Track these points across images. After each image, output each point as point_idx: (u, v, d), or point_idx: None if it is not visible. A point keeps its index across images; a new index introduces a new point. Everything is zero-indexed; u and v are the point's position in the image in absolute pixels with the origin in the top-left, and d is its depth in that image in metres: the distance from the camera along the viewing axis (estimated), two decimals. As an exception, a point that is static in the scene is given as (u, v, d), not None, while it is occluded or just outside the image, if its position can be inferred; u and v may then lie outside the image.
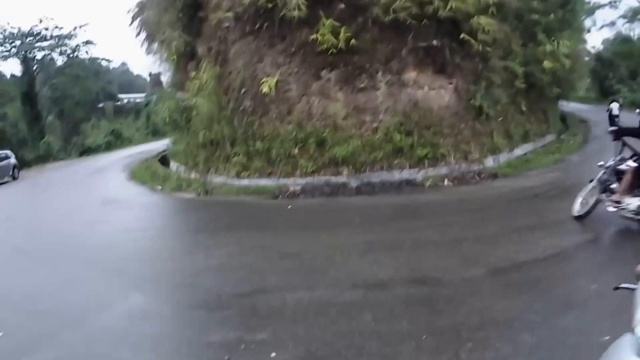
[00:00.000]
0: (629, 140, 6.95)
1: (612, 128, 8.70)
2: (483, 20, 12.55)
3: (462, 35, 12.59)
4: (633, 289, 1.81)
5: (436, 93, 12.78)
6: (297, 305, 5.32)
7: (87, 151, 34.78)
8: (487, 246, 6.84)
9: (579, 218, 7.37)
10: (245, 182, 12.94)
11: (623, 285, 2.09)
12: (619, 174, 6.91)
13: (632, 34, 42.16)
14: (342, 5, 12.55)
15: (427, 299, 5.29)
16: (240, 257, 7.48)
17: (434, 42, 12.58)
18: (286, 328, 4.81)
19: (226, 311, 5.43)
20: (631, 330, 1.59)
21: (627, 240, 6.75)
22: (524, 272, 5.77)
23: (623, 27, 40.60)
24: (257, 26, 13.31)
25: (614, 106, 20.25)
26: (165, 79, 21.29)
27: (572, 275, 5.69)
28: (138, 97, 50.78)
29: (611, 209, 6.82)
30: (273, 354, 4.30)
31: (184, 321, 5.46)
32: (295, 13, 11.92)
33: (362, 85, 12.41)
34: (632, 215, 6.57)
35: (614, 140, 7.14)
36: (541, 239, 6.90)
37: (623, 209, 6.62)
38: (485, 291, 5.33)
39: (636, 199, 6.47)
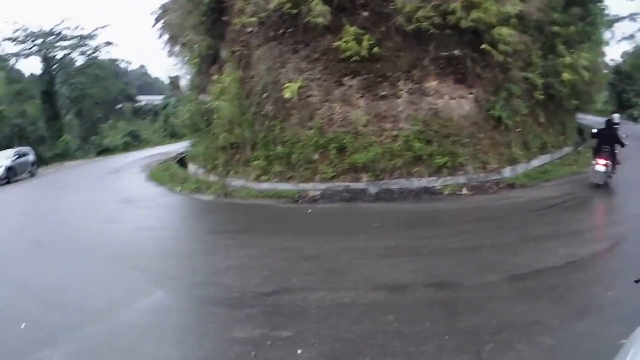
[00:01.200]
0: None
1: (593, 131, 12.55)
2: (504, 31, 12.58)
3: (483, 46, 12.59)
4: None
5: (456, 102, 12.78)
6: (320, 305, 5.38)
7: (104, 151, 35.03)
8: (505, 254, 6.91)
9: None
10: (264, 185, 13.00)
11: None
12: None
13: (651, 48, 41.54)
14: (366, 13, 12.66)
15: (447, 302, 5.38)
16: (260, 258, 7.53)
17: (456, 52, 12.64)
18: (310, 327, 4.88)
19: (249, 309, 5.45)
20: None
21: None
22: (541, 278, 5.84)
23: (642, 40, 39.95)
24: (280, 32, 13.50)
25: (615, 116, 25.68)
26: (184, 82, 21.48)
27: (589, 282, 5.74)
28: (156, 99, 50.87)
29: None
30: (299, 351, 4.38)
31: (207, 317, 5.50)
32: (319, 20, 12.05)
33: (383, 93, 12.44)
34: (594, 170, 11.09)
35: (592, 137, 12.39)
36: (558, 248, 6.97)
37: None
38: (503, 296, 5.40)
39: (594, 161, 11.19)
